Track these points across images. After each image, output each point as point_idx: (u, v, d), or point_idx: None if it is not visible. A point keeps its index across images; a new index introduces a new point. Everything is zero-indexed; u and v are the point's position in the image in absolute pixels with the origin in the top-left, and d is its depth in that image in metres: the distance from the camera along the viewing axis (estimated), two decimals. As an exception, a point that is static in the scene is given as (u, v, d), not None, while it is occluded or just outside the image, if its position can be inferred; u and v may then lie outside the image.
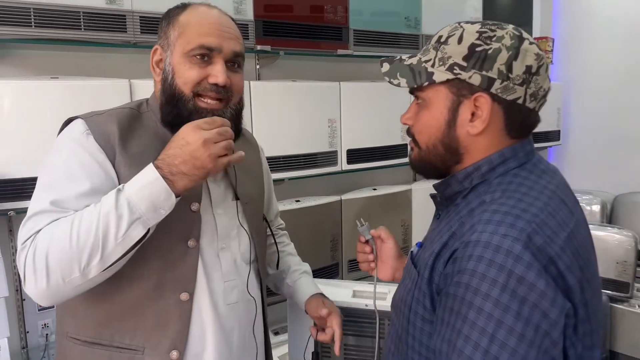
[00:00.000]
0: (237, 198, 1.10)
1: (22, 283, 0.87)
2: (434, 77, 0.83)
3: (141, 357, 0.96)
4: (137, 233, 0.86)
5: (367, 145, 2.30)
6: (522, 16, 2.92)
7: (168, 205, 0.88)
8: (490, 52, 0.79)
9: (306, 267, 1.35)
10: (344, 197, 2.24)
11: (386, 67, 0.90)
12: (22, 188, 1.52)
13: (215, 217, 1.05)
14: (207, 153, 0.86)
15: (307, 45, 2.12)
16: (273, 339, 2.06)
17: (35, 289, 0.86)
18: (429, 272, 0.80)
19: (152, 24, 1.72)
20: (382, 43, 2.34)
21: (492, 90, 0.80)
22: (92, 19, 1.62)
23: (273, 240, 1.30)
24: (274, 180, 2.04)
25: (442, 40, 0.84)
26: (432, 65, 0.83)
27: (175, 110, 0.98)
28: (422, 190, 2.50)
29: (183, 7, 1.02)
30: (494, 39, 0.80)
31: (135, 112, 1.03)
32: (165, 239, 0.96)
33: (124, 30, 1.68)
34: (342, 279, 2.24)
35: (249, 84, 1.93)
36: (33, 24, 1.54)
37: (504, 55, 0.79)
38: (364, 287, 1.49)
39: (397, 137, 2.39)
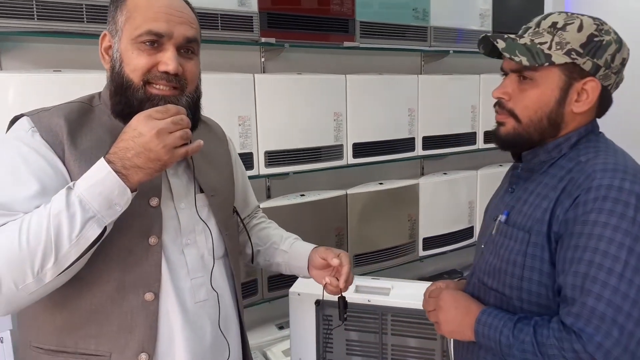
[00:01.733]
0: (201, 191, 1.04)
1: None
2: (553, 59, 0.92)
3: None
4: (93, 232, 0.81)
5: (373, 139, 2.27)
6: (533, 9, 2.86)
7: (124, 201, 0.83)
8: (604, 42, 0.92)
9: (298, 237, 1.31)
10: (350, 191, 2.22)
11: (502, 44, 0.95)
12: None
13: (178, 211, 1.00)
14: (162, 144, 0.81)
15: (313, 38, 2.09)
16: (277, 334, 2.06)
17: None
18: (546, 226, 0.90)
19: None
20: (390, 35, 2.30)
21: (596, 76, 0.93)
22: (95, 11, 1.61)
23: (245, 232, 1.25)
24: (279, 175, 2.05)
25: (559, 26, 0.94)
26: (549, 48, 0.93)
27: (124, 99, 0.92)
28: (430, 185, 2.47)
29: None
30: (603, 31, 0.93)
31: (86, 105, 0.98)
32: (124, 237, 0.91)
33: (127, 22, 1.66)
34: (348, 273, 2.23)
35: (254, 77, 1.92)
36: (35, 16, 1.53)
37: (612, 47, 0.93)
38: (367, 282, 1.48)
39: (404, 130, 2.36)
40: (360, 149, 2.24)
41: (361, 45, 2.22)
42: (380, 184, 2.34)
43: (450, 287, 1.13)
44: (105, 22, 1.60)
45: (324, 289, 1.16)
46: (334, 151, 2.16)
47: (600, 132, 1.01)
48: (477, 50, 1.06)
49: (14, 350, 1.48)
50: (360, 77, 2.21)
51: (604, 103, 0.98)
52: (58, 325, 0.93)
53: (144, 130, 0.81)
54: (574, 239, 0.85)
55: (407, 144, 2.39)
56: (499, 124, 1.01)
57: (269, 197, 2.17)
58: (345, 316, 1.18)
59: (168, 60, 0.91)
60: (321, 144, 2.12)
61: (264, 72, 2.14)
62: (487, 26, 2.67)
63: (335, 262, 1.13)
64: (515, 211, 0.99)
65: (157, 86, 0.92)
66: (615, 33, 0.95)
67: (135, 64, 0.91)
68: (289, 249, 1.23)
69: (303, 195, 2.11)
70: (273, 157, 2.00)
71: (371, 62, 2.46)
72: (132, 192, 0.83)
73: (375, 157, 2.29)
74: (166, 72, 0.91)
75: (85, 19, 1.60)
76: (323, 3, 2.09)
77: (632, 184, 0.84)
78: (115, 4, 0.95)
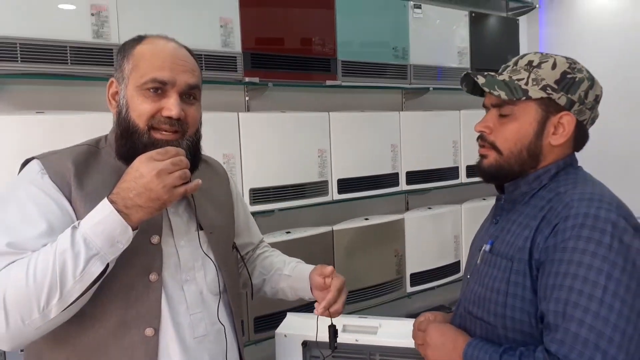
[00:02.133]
0: (200, 228, 1.08)
1: None
2: (530, 94, 0.97)
3: None
4: (96, 269, 0.85)
5: (358, 174, 2.28)
6: (509, 46, 2.96)
7: (125, 239, 0.87)
8: (577, 79, 0.98)
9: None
10: (336, 227, 2.21)
11: (482, 79, 1.01)
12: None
13: (178, 249, 1.03)
14: (162, 184, 0.86)
15: (296, 77, 2.13)
16: (264, 376, 2.00)
17: None
18: (527, 253, 0.93)
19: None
20: (370, 73, 2.35)
21: (571, 110, 0.98)
22: (79, 53, 1.62)
23: (245, 268, 1.29)
24: (264, 212, 2.03)
25: (535, 64, 1.00)
26: (526, 84, 0.98)
27: (129, 143, 0.98)
28: (415, 219, 2.48)
29: (139, 39, 1.02)
30: (576, 70, 0.99)
31: (93, 148, 1.03)
32: (125, 274, 0.94)
33: (111, 63, 1.67)
34: (335, 311, 2.19)
35: (238, 115, 1.93)
36: (19, 58, 1.54)
37: (585, 84, 0.98)
38: (355, 321, 1.45)
39: (387, 166, 2.39)
40: (345, 185, 2.24)
41: (343, 84, 2.26)
42: (366, 219, 2.34)
43: (439, 319, 1.13)
44: (89, 64, 1.63)
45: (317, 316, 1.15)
46: (319, 187, 2.17)
47: (579, 166, 1.05)
48: (457, 87, 1.11)
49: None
50: (343, 114, 2.24)
51: (579, 137, 1.02)
52: None
53: (145, 171, 0.86)
54: (555, 265, 0.88)
55: (391, 179, 2.41)
56: (482, 156, 1.05)
57: (254, 235, 2.14)
58: (335, 345, 1.18)
59: (171, 106, 0.97)
60: (306, 180, 2.12)
61: (248, 110, 2.16)
62: (466, 64, 2.75)
63: (328, 271, 1.15)
64: (499, 241, 1.01)
65: (161, 131, 0.98)
66: (588, 72, 1.00)
67: (141, 109, 0.97)
68: (292, 273, 1.26)
69: (289, 232, 2.10)
70: (258, 195, 1.99)
71: (353, 100, 2.50)
72: (133, 230, 0.88)
73: (360, 192, 2.30)
74: (169, 117, 0.97)
75: (69, 61, 1.61)
76: (305, 43, 2.14)
77: (607, 212, 0.87)
78: (123, 54, 1.02)
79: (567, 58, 1.01)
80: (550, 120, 0.98)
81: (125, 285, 0.95)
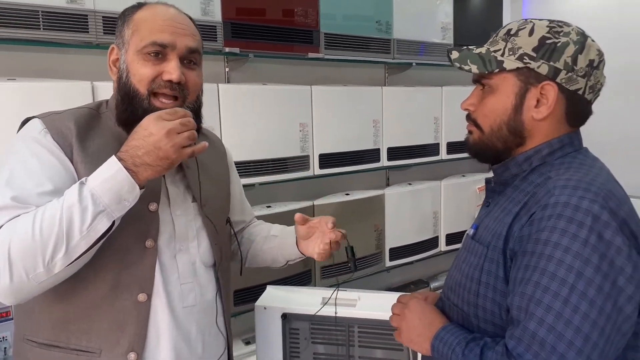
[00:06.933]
0: (195, 200, 1.09)
1: None
2: (504, 65, 0.90)
3: (97, 359, 0.95)
4: (102, 226, 0.86)
5: (339, 149, 2.27)
6: (492, 22, 2.95)
7: (132, 197, 0.88)
8: (559, 44, 0.88)
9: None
10: (317, 202, 2.21)
11: (455, 54, 0.95)
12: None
13: (174, 218, 1.04)
14: (171, 143, 0.87)
15: (278, 48, 2.09)
16: (244, 349, 2.02)
17: None
18: (502, 241, 0.87)
19: (116, 25, 1.66)
20: (353, 47, 2.32)
21: (557, 80, 0.88)
22: (52, 18, 1.56)
23: (237, 243, 1.30)
24: (244, 186, 2.00)
25: (512, 32, 0.92)
26: (502, 55, 0.91)
27: (130, 108, 0.98)
28: (395, 195, 2.49)
29: (138, 6, 1.03)
30: (561, 33, 0.89)
31: (94, 112, 1.03)
32: (122, 238, 0.95)
33: (86, 30, 1.61)
34: (315, 285, 2.21)
35: (218, 86, 1.89)
36: (-12, 23, 1.47)
37: (571, 49, 0.88)
38: (334, 293, 1.46)
39: (369, 141, 2.38)
40: (327, 160, 2.23)
41: (325, 57, 2.23)
42: (347, 194, 2.34)
43: (430, 299, 1.09)
44: (63, 30, 1.58)
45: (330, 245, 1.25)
46: (300, 162, 2.15)
47: (584, 148, 0.95)
48: (439, 62, 1.07)
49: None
50: (325, 88, 2.22)
51: (573, 110, 0.92)
52: (53, 319, 0.96)
53: (154, 130, 0.87)
54: (526, 258, 0.82)
55: (372, 154, 2.41)
56: (469, 132, 1.00)
57: (234, 208, 2.13)
58: (356, 265, 1.26)
59: (172, 70, 0.97)
60: (287, 155, 2.10)
61: (228, 82, 2.11)
62: (449, 39, 2.73)
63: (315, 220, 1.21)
64: (482, 225, 0.96)
65: (161, 99, 0.98)
66: (579, 34, 0.90)
67: (141, 73, 0.97)
68: (279, 233, 1.30)
69: (269, 206, 2.09)
70: (238, 168, 1.95)
71: (336, 74, 2.47)
72: (140, 188, 0.88)
73: (341, 167, 2.29)
74: (169, 81, 0.97)
75: (41, 26, 1.55)
76: (287, 14, 2.09)
77: (590, 203, 0.79)
78: (123, 19, 1.02)
79: (551, 21, 0.91)
80: (531, 91, 0.90)
81: (121, 250, 0.96)
